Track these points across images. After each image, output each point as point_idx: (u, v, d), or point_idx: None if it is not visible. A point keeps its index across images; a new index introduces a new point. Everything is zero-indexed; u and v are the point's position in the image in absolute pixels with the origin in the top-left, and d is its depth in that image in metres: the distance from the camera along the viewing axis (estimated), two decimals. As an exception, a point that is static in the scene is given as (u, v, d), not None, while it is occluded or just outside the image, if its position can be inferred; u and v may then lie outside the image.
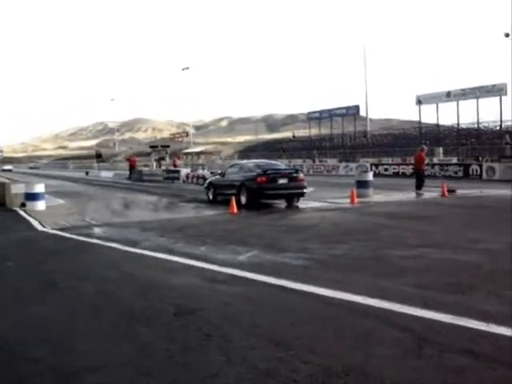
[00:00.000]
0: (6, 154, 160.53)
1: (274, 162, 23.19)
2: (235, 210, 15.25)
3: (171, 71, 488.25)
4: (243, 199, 16.85)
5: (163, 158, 55.21)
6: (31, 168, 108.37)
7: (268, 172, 17.06)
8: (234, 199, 15.49)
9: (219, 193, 19.25)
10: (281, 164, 23.35)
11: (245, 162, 24.06)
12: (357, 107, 65.26)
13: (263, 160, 26.90)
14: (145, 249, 9.68)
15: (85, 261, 8.94)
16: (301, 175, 17.91)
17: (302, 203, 17.14)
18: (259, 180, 16.59)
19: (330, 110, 69.74)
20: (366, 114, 65.78)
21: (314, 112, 73.84)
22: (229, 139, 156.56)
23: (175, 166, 45.67)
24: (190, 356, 4.38)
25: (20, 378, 4.07)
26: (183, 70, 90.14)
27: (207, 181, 21.84)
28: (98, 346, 4.73)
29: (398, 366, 4.02)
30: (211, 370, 4.05)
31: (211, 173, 32.11)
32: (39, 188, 18.12)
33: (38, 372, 4.16)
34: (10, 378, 4.08)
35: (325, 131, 71.76)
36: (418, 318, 5.08)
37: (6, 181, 21.44)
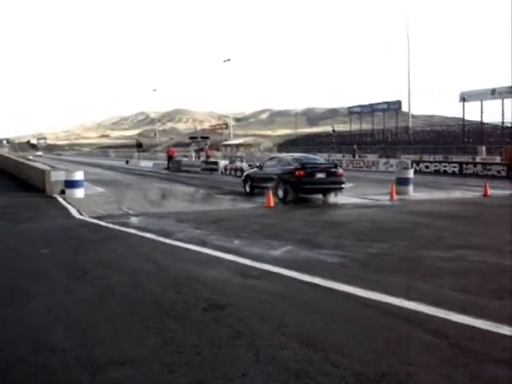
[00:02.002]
0: (49, 142, 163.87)
1: (312, 155, 22.96)
2: (272, 203, 15.16)
3: (214, 63, 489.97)
4: (280, 193, 16.71)
5: (202, 150, 55.36)
6: (57, 155, 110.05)
7: (306, 166, 16.88)
8: (271, 193, 15.40)
9: (256, 185, 19.21)
10: (319, 158, 23.13)
11: (283, 155, 23.85)
12: (399, 102, 64.30)
13: (302, 154, 26.84)
14: (179, 240, 9.64)
15: (118, 251, 8.95)
16: (340, 170, 17.71)
17: (340, 199, 16.93)
18: (297, 174, 16.41)
19: (371, 105, 69.00)
20: (409, 109, 64.73)
21: (355, 106, 73.13)
22: (268, 132, 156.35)
23: (208, 157, 45.95)
24: (219, 353, 4.29)
25: (46, 368, 4.04)
26: (225, 61, 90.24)
27: (245, 173, 21.90)
28: (125, 338, 4.69)
29: (432, 373, 3.86)
30: (239, 369, 3.96)
31: (249, 165, 32.07)
32: (78, 176, 18.34)
33: (64, 363, 4.13)
34: (36, 368, 4.06)
35: (366, 126, 71.05)
36: (454, 324, 4.89)
37: (47, 168, 21.76)
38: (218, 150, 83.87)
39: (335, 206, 15.60)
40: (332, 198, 16.85)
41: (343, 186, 17.02)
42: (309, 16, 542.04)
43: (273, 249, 8.80)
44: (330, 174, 16.91)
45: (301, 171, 16.49)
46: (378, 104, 68.04)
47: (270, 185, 17.19)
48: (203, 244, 9.20)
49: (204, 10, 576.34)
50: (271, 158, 20.78)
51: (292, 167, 16.99)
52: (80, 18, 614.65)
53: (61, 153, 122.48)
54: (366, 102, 70.90)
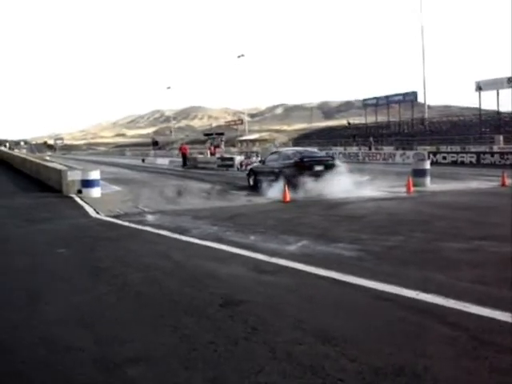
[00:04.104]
0: (66, 141, 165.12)
1: (312, 149, 23.86)
2: (288, 198, 15.13)
3: (227, 59, 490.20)
4: (280, 182, 16.88)
5: (218, 146, 55.37)
6: (63, 154, 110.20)
7: (304, 159, 17.59)
8: (286, 188, 15.38)
9: (259, 179, 19.42)
10: (319, 152, 23.67)
11: (284, 149, 24.79)
12: (414, 93, 63.79)
13: (302, 148, 28.18)
14: (194, 237, 9.65)
15: (135, 248, 8.95)
16: (337, 162, 18.43)
17: (356, 192, 16.84)
18: (298, 164, 17.31)
19: (387, 97, 68.53)
20: (424, 100, 64.43)
21: (371, 98, 72.61)
22: (284, 126, 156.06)
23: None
24: (235, 349, 4.29)
25: (63, 368, 4.06)
26: (239, 57, 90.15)
27: (249, 167, 22.96)
28: (141, 336, 4.70)
29: (451, 367, 3.81)
30: (255, 365, 3.95)
31: (264, 160, 32.05)
32: (95, 175, 18.43)
33: (80, 362, 4.14)
34: (52, 368, 4.08)
35: (381, 118, 70.61)
36: (473, 316, 4.83)
37: (63, 168, 21.90)
38: (233, 145, 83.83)
39: (351, 199, 15.50)
40: (348, 192, 16.75)
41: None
42: (321, 8, 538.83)
43: (289, 244, 8.78)
44: (327, 166, 17.54)
45: (300, 164, 17.19)
46: (394, 95, 67.51)
47: (271, 178, 17.85)
48: (219, 240, 9.20)
49: (216, 5, 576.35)
50: (273, 153, 21.53)
51: (292, 161, 17.70)
52: (95, 17, 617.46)
53: (65, 152, 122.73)
54: (381, 94, 70.47)
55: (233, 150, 71.61)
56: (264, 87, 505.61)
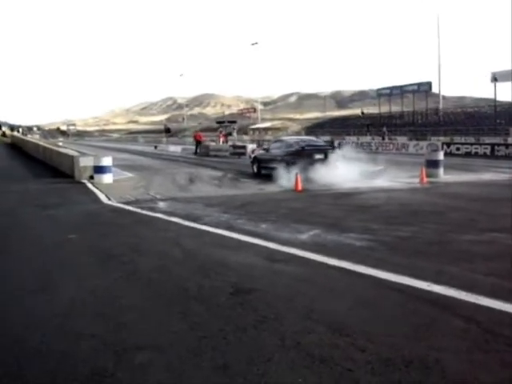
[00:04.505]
0: (78, 128, 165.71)
1: (313, 138, 25.48)
2: (300, 187, 15.07)
3: (241, 46, 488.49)
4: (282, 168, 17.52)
5: (230, 134, 55.25)
6: (75, 140, 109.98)
7: (305, 148, 18.41)
8: (299, 176, 15.32)
9: (263, 166, 20.37)
10: (320, 141, 25.00)
11: (287, 138, 25.51)
12: (429, 84, 63.08)
13: (305, 137, 29.98)
14: (206, 224, 9.64)
15: (145, 235, 8.96)
16: (336, 151, 19.67)
17: (369, 182, 16.78)
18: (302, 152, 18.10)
19: (401, 87, 67.92)
20: (439, 90, 63.64)
21: (385, 88, 72.05)
22: (297, 115, 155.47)
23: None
24: (244, 338, 4.27)
25: (73, 354, 4.06)
26: (252, 44, 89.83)
27: (252, 155, 23.67)
28: (151, 323, 4.69)
29: (462, 360, 3.77)
30: (264, 353, 3.93)
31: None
32: (107, 161, 18.46)
33: (90, 348, 4.15)
34: (63, 353, 4.09)
35: (395, 108, 70.11)
36: (485, 308, 4.78)
37: (75, 153, 21.97)
38: (245, 133, 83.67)
39: (363, 189, 15.43)
40: (361, 181, 16.69)
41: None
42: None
43: (300, 233, 8.74)
44: (327, 154, 18.30)
45: (301, 152, 17.94)
46: (408, 85, 66.89)
47: (274, 165, 18.39)
48: (230, 228, 9.18)
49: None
50: (276, 141, 22.33)
51: (293, 149, 18.47)
52: (107, 4, 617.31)
53: (78, 138, 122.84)
54: (395, 84, 69.95)
55: (245, 138, 71.50)
56: (277, 75, 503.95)
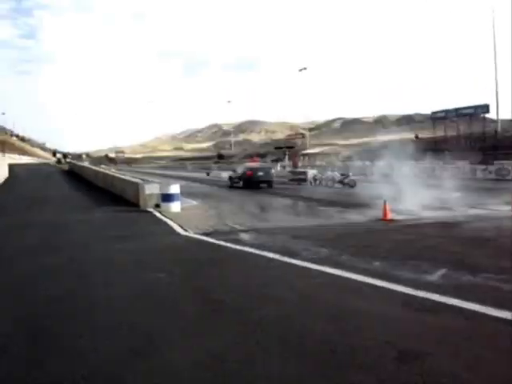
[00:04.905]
0: (126, 155, 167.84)
1: (259, 164, 39.10)
2: (389, 216, 13.78)
3: (283, 72, 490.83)
4: (241, 183, 30.85)
5: (280, 159, 54.34)
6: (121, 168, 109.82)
7: (252, 168, 31.55)
8: (387, 205, 14.01)
9: (233, 182, 32.33)
10: (264, 165, 38.08)
11: (247, 164, 36.96)
12: (487, 106, 60.98)
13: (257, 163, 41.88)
14: (307, 260, 8.47)
15: (247, 275, 7.80)
16: (272, 171, 32.95)
17: (458, 209, 15.43)
18: (248, 173, 30.66)
19: (456, 110, 66.00)
20: (497, 113, 61.41)
21: (439, 111, 70.13)
22: (342, 141, 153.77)
23: (295, 165, 44.10)
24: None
25: None
26: (300, 70, 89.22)
27: (228, 175, 34.87)
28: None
29: None
30: None
31: (341, 174, 30.73)
32: (174, 189, 17.53)
33: None
34: None
35: (450, 132, 68.12)
36: None
37: (139, 181, 21.16)
38: (290, 159, 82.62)
39: (459, 218, 14.04)
40: (447, 210, 15.38)
41: (273, 179, 31.22)
42: (379, 20, 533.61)
43: (425, 272, 7.49)
44: (266, 173, 31.14)
45: (250, 171, 30.84)
46: (464, 108, 64.97)
47: (238, 181, 31.40)
48: (339, 266, 7.98)
49: (275, 19, 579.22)
50: (241, 166, 35.18)
51: (245, 170, 31.43)
52: (156, 34, 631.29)
53: (125, 165, 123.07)
54: (443, 107, 68.25)
55: (299, 162, 70.41)
56: (321, 100, 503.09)
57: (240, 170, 32.39)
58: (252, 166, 32.80)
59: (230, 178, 33.11)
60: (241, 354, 4.59)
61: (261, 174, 30.36)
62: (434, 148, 62.23)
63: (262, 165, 35.51)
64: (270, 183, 30.39)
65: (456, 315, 5.51)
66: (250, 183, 29.89)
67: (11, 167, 36.76)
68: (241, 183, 30.60)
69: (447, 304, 5.89)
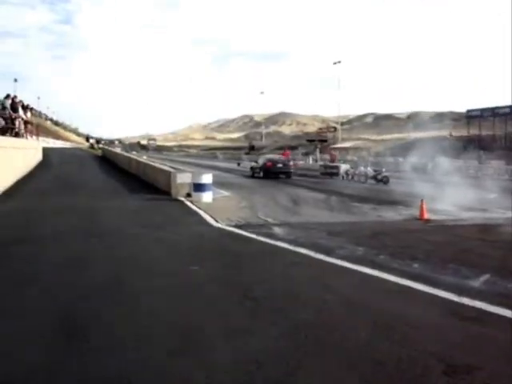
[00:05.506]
0: (158, 143, 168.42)
1: (279, 156, 39.76)
2: (426, 215, 13.44)
3: (316, 65, 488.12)
4: (261, 174, 33.01)
5: (309, 153, 53.99)
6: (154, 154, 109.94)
7: (272, 160, 34.23)
8: (424, 204, 13.66)
9: (254, 172, 34.36)
10: (282, 157, 37.80)
11: (269, 156, 42.44)
12: (525, 106, 59.86)
13: (275, 155, 43.69)
14: (344, 259, 8.20)
15: (282, 272, 7.56)
16: (291, 163, 35.07)
17: (495, 211, 14.98)
18: (267, 164, 32.98)
19: (493, 109, 64.88)
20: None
21: (475, 110, 69.05)
22: (374, 136, 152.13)
23: (333, 160, 42.63)
24: None
25: None
26: (335, 63, 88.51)
27: (249, 166, 37.47)
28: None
29: None
30: None
31: (374, 170, 30.32)
32: (207, 178, 17.38)
33: None
34: None
35: (485, 131, 66.97)
36: None
37: (171, 170, 21.05)
38: (321, 152, 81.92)
39: (497, 219, 13.61)
40: (487, 211, 14.92)
41: (291, 171, 33.21)
42: (408, 19, 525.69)
43: (467, 278, 7.19)
44: (285, 164, 33.37)
45: (269, 163, 33.13)
46: (500, 108, 63.84)
47: (258, 171, 33.60)
48: (377, 266, 7.71)
49: (310, 13, 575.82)
50: (262, 157, 38.74)
51: (266, 161, 33.72)
52: (190, 23, 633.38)
53: (156, 152, 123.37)
54: (479, 106, 67.03)
55: (323, 157, 69.82)
56: (353, 95, 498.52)
57: (261, 161, 34.96)
58: (272, 158, 35.82)
59: (252, 168, 35.32)
60: (281, 360, 4.39)
61: (280, 165, 32.94)
62: (468, 146, 61.09)
63: (280, 157, 37.40)
64: (288, 174, 32.58)
65: (506, 326, 5.25)
66: (270, 173, 32.21)
67: (45, 151, 37.01)
68: (261, 173, 32.95)
69: (494, 313, 5.61)
